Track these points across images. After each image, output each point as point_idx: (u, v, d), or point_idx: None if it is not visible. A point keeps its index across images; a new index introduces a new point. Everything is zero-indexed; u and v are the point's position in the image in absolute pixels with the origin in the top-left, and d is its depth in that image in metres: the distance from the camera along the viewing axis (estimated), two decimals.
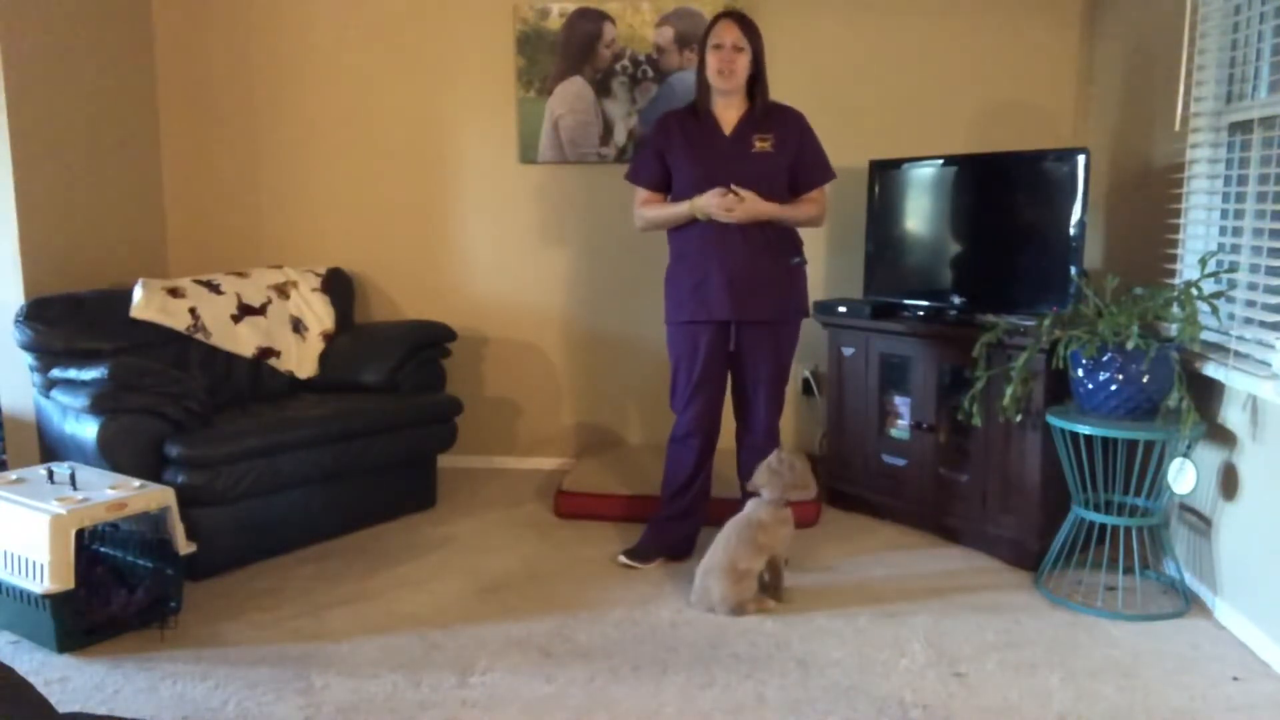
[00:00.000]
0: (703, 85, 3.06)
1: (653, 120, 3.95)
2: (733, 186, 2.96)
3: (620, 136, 4.13)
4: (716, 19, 3.01)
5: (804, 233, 3.49)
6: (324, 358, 3.91)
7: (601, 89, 4.11)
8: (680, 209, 3.06)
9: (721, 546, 2.84)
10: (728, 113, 3.06)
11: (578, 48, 4.09)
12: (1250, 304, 2.79)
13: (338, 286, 4.11)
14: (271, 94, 4.28)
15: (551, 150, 4.17)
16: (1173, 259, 3.16)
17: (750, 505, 2.90)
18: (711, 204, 2.97)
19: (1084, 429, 2.81)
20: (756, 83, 3.04)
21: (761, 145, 3.02)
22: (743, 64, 2.98)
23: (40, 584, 2.56)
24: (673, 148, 3.09)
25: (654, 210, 3.15)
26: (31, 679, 2.45)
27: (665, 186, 3.16)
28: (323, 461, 3.32)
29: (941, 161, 3.51)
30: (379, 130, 4.27)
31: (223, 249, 4.39)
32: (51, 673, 2.50)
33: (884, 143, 4.03)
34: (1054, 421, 2.91)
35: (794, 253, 3.12)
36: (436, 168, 4.27)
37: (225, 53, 4.27)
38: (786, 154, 3.05)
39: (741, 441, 3.23)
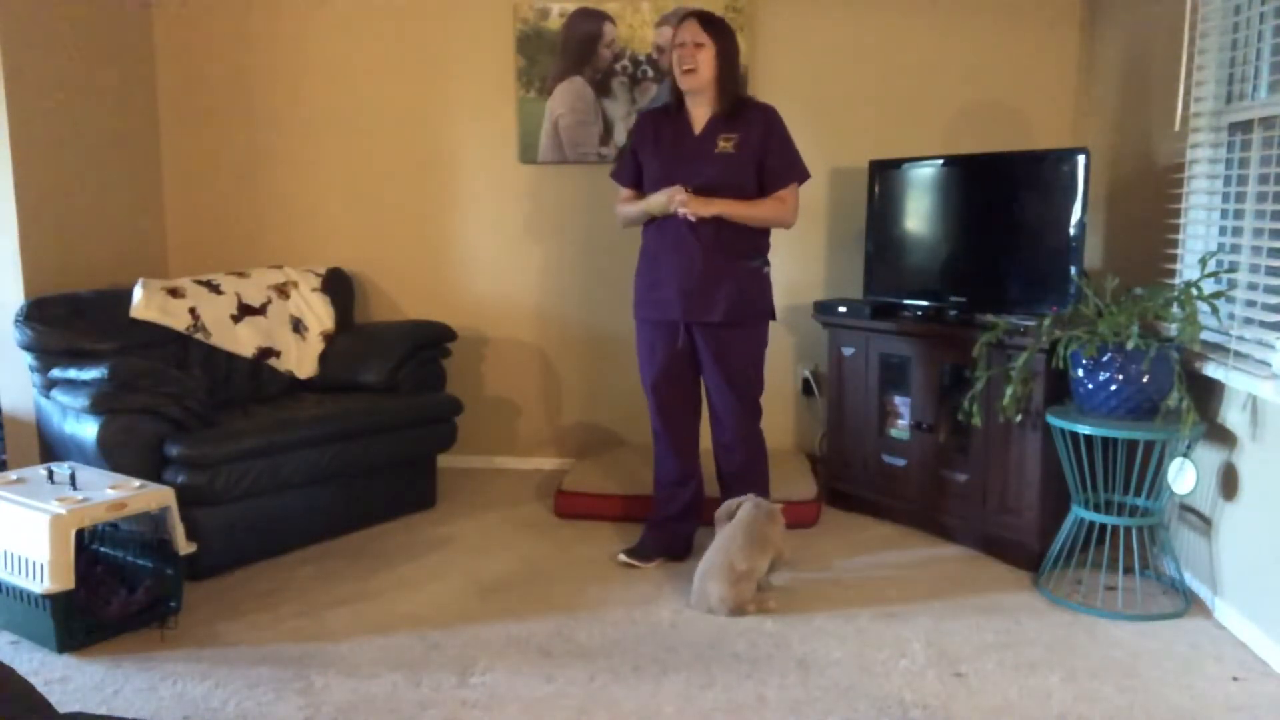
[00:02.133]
0: (675, 86, 3.06)
1: None
2: (685, 189, 2.95)
3: (620, 136, 4.12)
4: (682, 19, 3.01)
5: (799, 233, 3.50)
6: (324, 358, 3.91)
7: (601, 89, 4.11)
8: (638, 207, 3.08)
9: (720, 548, 2.84)
10: (699, 111, 3.05)
11: (578, 48, 4.09)
12: (1250, 304, 2.79)
13: (338, 286, 4.11)
14: (271, 94, 4.28)
15: (551, 150, 4.17)
16: (1173, 259, 3.16)
17: (744, 508, 2.91)
18: (660, 200, 2.97)
19: (1084, 429, 2.81)
20: (726, 80, 3.01)
21: (724, 145, 3.00)
22: (704, 60, 2.96)
23: (40, 584, 2.56)
24: (645, 147, 3.10)
25: (623, 207, 3.17)
26: (31, 679, 2.45)
27: (641, 184, 3.16)
28: (323, 461, 3.32)
29: (941, 162, 3.51)
30: (379, 130, 4.27)
31: (223, 249, 4.39)
32: (51, 673, 2.50)
33: (884, 143, 4.03)
34: (1054, 421, 2.91)
35: (755, 255, 3.09)
36: (436, 168, 4.27)
37: (225, 53, 4.27)
38: (750, 153, 3.01)
39: (716, 440, 3.20)
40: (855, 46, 4.05)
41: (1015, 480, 3.18)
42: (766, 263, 3.14)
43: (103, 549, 2.90)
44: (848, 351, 3.71)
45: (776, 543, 2.88)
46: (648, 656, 2.58)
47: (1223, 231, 2.97)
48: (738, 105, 3.04)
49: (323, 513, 3.40)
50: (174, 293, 3.62)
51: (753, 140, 3.01)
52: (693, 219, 2.94)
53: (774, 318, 3.17)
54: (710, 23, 2.97)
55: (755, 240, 3.09)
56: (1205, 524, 2.90)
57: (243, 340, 3.73)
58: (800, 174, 3.08)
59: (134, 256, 4.14)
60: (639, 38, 4.07)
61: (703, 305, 3.04)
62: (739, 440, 3.15)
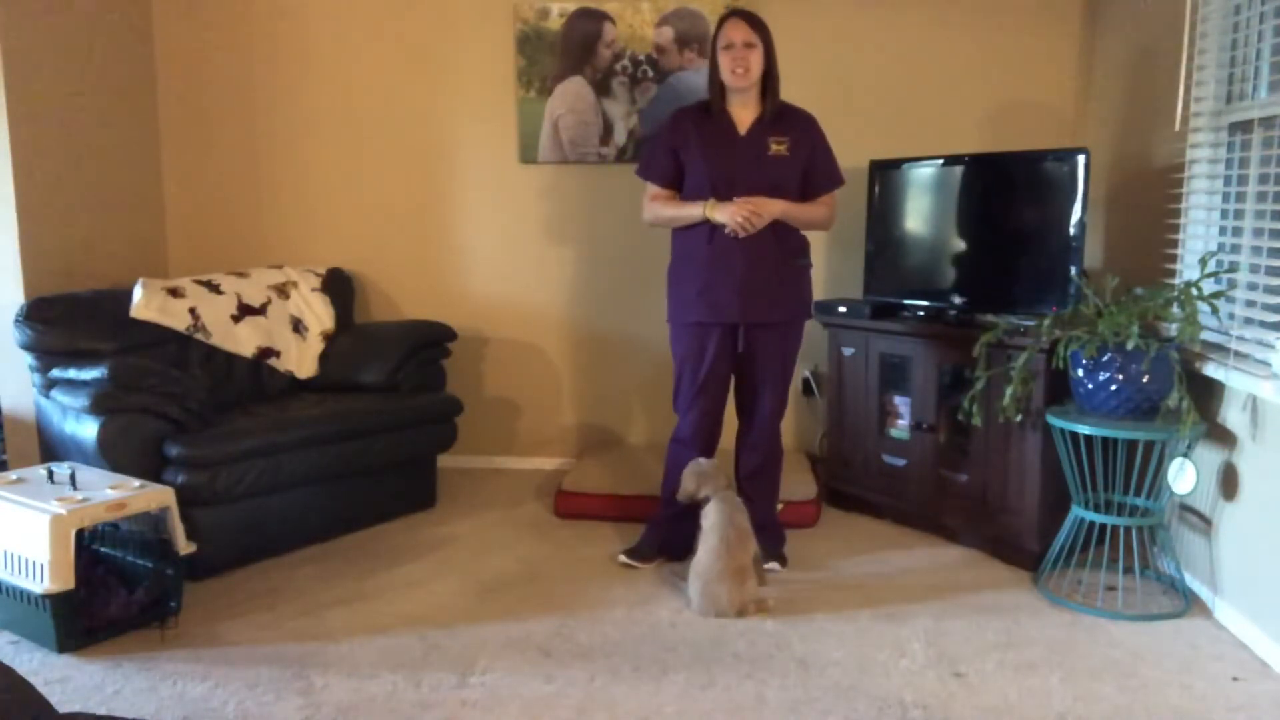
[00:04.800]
0: (716, 86, 3.04)
1: (659, 118, 3.97)
2: (735, 201, 2.96)
3: (620, 136, 4.12)
4: (724, 18, 3.00)
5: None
6: (324, 358, 3.91)
7: (601, 89, 4.11)
8: (694, 211, 3.03)
9: (714, 552, 2.81)
10: (742, 113, 3.05)
11: (578, 48, 4.10)
12: (1250, 304, 2.79)
13: (338, 286, 4.11)
14: (271, 94, 4.28)
15: (551, 150, 4.17)
16: (1173, 259, 3.16)
17: (715, 507, 2.88)
18: (726, 217, 2.95)
19: (1084, 429, 2.81)
20: (769, 80, 3.03)
21: (778, 149, 3.01)
22: (756, 60, 2.97)
23: (40, 584, 2.56)
24: (688, 146, 3.07)
25: (666, 208, 3.12)
26: (31, 679, 2.45)
27: (678, 183, 3.14)
28: (323, 461, 3.32)
29: (941, 161, 3.51)
30: (379, 130, 4.27)
31: (223, 249, 4.39)
32: (51, 673, 2.50)
33: (884, 143, 4.03)
34: (1054, 421, 2.91)
35: (800, 254, 3.12)
36: (436, 168, 4.28)
37: (225, 53, 4.27)
38: (800, 158, 3.05)
39: (743, 441, 3.22)
40: (855, 46, 4.05)
41: (1015, 480, 3.18)
42: (810, 261, 3.17)
43: (103, 549, 2.90)
44: (848, 351, 3.71)
45: (751, 532, 2.88)
46: (648, 656, 2.58)
47: (1223, 231, 2.98)
48: (781, 109, 3.06)
49: (323, 513, 3.40)
50: (174, 293, 3.62)
51: (802, 145, 3.05)
52: (741, 235, 2.95)
53: (812, 315, 3.21)
54: (756, 23, 2.98)
55: (802, 238, 3.14)
56: (1205, 524, 2.90)
57: (243, 340, 3.73)
58: (840, 180, 3.14)
59: (134, 256, 4.14)
60: (639, 38, 4.07)
61: (762, 306, 3.04)
62: (767, 438, 3.17)
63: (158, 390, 3.06)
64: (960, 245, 3.48)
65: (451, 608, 2.89)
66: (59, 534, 2.54)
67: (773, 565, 3.14)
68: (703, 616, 2.82)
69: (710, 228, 3.03)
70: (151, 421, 3.06)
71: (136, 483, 2.79)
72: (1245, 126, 2.86)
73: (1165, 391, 2.77)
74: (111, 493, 2.70)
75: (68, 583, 2.56)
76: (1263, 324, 2.71)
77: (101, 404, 2.99)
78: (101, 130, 3.93)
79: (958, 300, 3.46)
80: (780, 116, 3.06)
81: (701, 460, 2.98)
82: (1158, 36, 3.33)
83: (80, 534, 2.60)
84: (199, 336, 3.63)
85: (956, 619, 2.81)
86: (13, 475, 2.88)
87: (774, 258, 3.04)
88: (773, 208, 2.98)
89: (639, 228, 4.16)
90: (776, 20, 4.04)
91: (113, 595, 2.73)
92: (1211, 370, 2.76)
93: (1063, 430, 2.94)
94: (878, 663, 2.54)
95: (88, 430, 3.03)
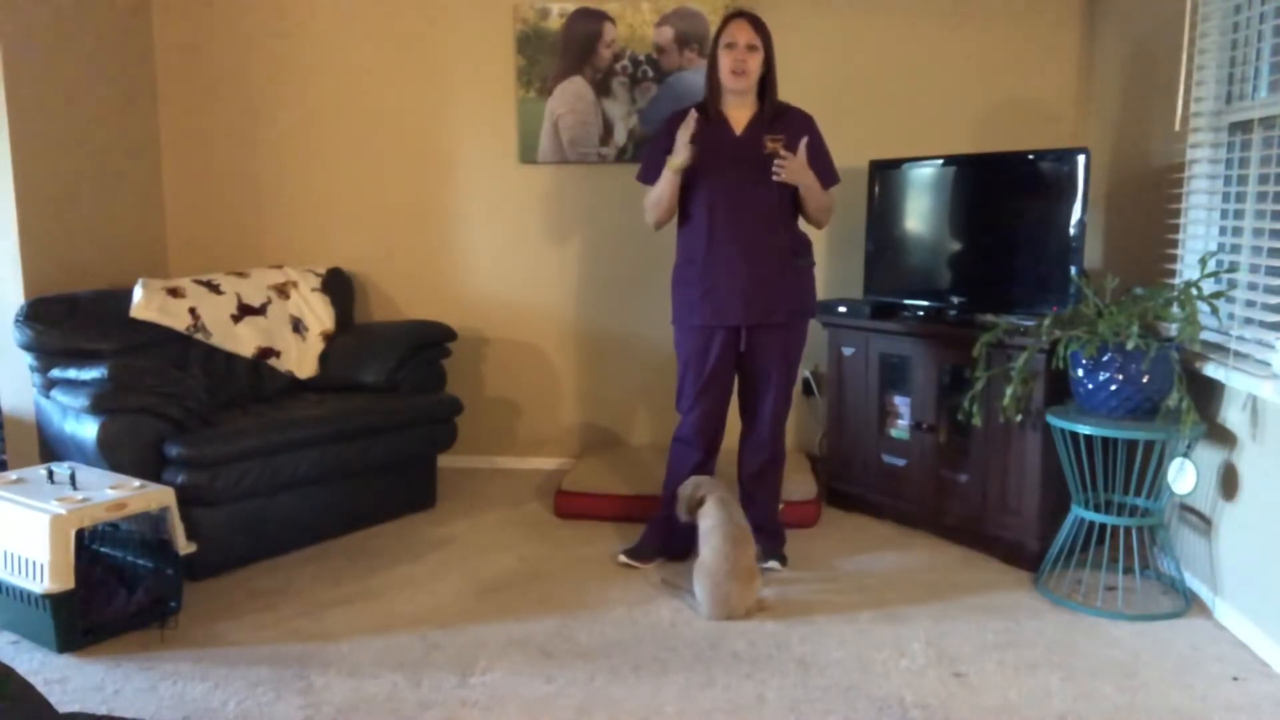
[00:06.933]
0: (714, 85, 3.05)
1: (657, 120, 3.97)
2: (781, 150, 2.95)
3: (620, 136, 4.12)
4: (728, 19, 3.00)
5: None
6: (324, 358, 3.91)
7: (601, 89, 4.11)
8: (664, 177, 3.03)
9: (727, 552, 2.80)
10: (738, 113, 3.06)
11: (578, 48, 4.10)
12: (1250, 304, 2.79)
13: (338, 286, 4.11)
14: (272, 94, 4.28)
15: (551, 150, 4.17)
16: (1173, 259, 3.16)
17: (713, 508, 2.88)
18: (682, 146, 2.95)
19: (1084, 429, 2.81)
20: (766, 83, 3.04)
21: (773, 146, 3.02)
22: (755, 63, 2.98)
23: (40, 584, 2.56)
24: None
25: (650, 195, 3.11)
26: (31, 679, 2.45)
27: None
28: (322, 461, 3.32)
29: (941, 161, 3.51)
30: (379, 130, 4.27)
31: (223, 249, 4.39)
32: (51, 673, 2.50)
33: (884, 143, 4.03)
34: (1054, 421, 2.91)
35: (802, 254, 3.12)
36: (436, 168, 4.28)
37: (225, 52, 4.27)
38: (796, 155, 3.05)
39: (745, 441, 3.22)
40: (855, 46, 4.05)
41: (1015, 480, 3.19)
42: (813, 261, 3.16)
43: (103, 549, 2.90)
44: (848, 351, 3.71)
45: (751, 534, 2.89)
46: (648, 656, 2.58)
47: (1223, 231, 2.98)
48: (778, 108, 3.06)
49: (323, 513, 3.40)
50: (174, 293, 3.62)
51: (798, 143, 3.03)
52: (780, 174, 2.93)
53: (815, 315, 3.21)
54: (759, 25, 2.99)
55: (804, 239, 3.13)
56: (1205, 524, 2.90)
57: (243, 340, 3.73)
58: (836, 178, 3.14)
59: (134, 256, 4.14)
60: (639, 38, 4.07)
61: (765, 307, 3.04)
62: (770, 438, 3.17)
63: (157, 390, 3.06)
64: (960, 245, 3.48)
65: (451, 608, 2.89)
66: (59, 534, 2.54)
67: (773, 565, 3.14)
68: (713, 619, 2.81)
69: (709, 229, 3.03)
70: (151, 421, 3.06)
71: (136, 483, 2.79)
72: (1245, 126, 2.86)
73: (1165, 391, 2.77)
74: (111, 493, 2.70)
75: (68, 583, 2.56)
76: (1263, 324, 2.71)
77: (101, 404, 2.99)
78: (101, 130, 3.93)
79: (958, 300, 3.46)
80: (777, 116, 3.06)
81: (699, 477, 3.01)
82: (1158, 36, 3.33)
83: (80, 534, 2.61)
84: (199, 336, 3.63)
85: (956, 619, 2.81)
86: (13, 475, 2.88)
87: (776, 258, 3.04)
88: (807, 176, 2.98)
89: (639, 228, 4.16)
90: (777, 20, 4.04)
91: (113, 595, 2.73)
92: (1211, 370, 2.76)
93: (1063, 430, 2.94)
94: (878, 663, 2.54)
95: (88, 430, 3.03)
